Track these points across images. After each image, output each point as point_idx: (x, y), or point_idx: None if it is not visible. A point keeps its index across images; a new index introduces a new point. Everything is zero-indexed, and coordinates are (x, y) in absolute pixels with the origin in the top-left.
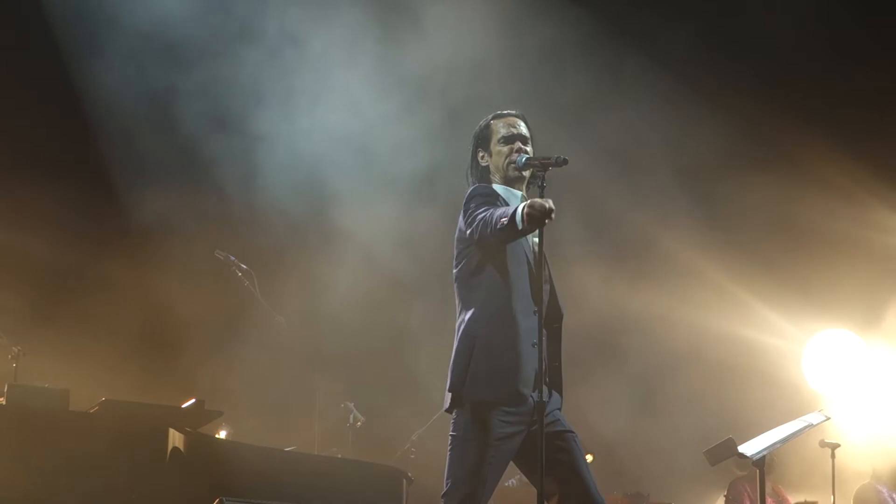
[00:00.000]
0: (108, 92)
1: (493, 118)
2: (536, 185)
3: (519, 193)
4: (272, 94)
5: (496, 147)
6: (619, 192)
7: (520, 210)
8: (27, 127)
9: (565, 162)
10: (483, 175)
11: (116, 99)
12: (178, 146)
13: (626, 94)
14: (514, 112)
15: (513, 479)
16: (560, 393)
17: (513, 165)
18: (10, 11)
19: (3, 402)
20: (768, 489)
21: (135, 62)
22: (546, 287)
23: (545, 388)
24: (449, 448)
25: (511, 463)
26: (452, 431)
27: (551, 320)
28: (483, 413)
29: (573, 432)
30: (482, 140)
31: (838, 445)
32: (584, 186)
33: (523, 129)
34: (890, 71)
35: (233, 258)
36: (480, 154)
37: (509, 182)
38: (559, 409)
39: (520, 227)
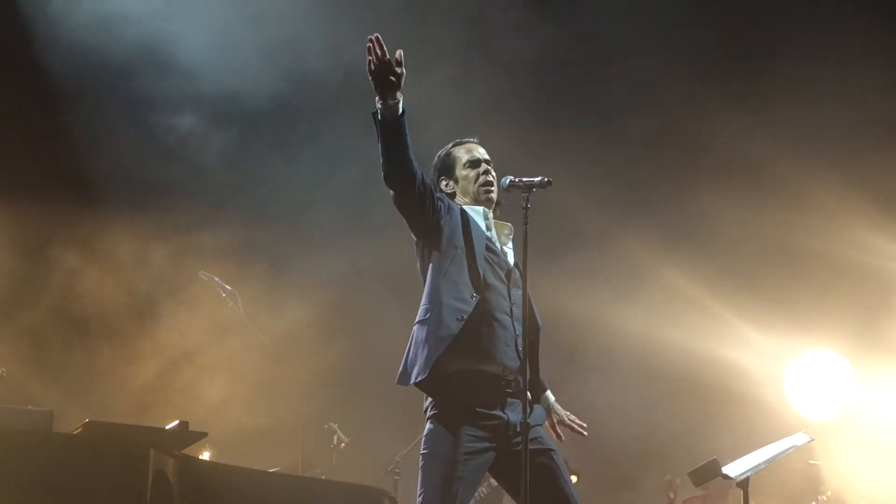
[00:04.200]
0: None
1: (453, 146)
2: (520, 206)
3: (482, 209)
4: None
5: (462, 172)
6: (604, 212)
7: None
8: None
9: (549, 183)
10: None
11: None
12: None
13: (611, 118)
14: (472, 139)
15: (482, 486)
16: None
17: (483, 188)
18: None
19: None
20: None
21: None
22: (518, 293)
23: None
24: (420, 465)
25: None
26: (423, 448)
27: (531, 332)
28: (450, 428)
29: (555, 450)
30: (445, 168)
31: (822, 466)
32: (568, 205)
33: (485, 153)
34: (880, 93)
35: (217, 279)
36: (444, 182)
37: (479, 204)
38: (541, 426)
39: (378, 111)
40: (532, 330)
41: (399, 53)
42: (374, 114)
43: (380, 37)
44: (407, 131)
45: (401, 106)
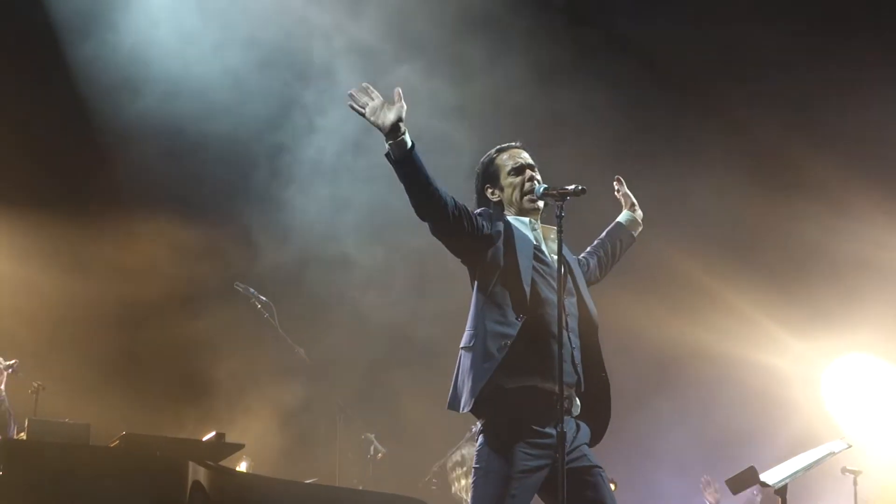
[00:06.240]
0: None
1: (497, 152)
2: (554, 215)
3: (528, 220)
4: None
5: (507, 180)
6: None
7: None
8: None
9: (583, 191)
10: (496, 210)
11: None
12: None
13: (652, 133)
14: (515, 143)
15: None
16: (607, 413)
17: (528, 196)
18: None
19: (25, 437)
20: None
21: None
22: (573, 300)
23: (573, 422)
24: (472, 480)
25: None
26: (476, 463)
27: (589, 333)
28: (504, 446)
29: (600, 467)
30: (489, 176)
31: (860, 472)
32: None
33: (528, 157)
34: None
35: (252, 290)
36: (490, 190)
37: (524, 213)
38: (587, 444)
39: (388, 152)
40: (589, 331)
41: (397, 91)
42: (387, 155)
43: (368, 85)
44: (421, 164)
45: (408, 139)
